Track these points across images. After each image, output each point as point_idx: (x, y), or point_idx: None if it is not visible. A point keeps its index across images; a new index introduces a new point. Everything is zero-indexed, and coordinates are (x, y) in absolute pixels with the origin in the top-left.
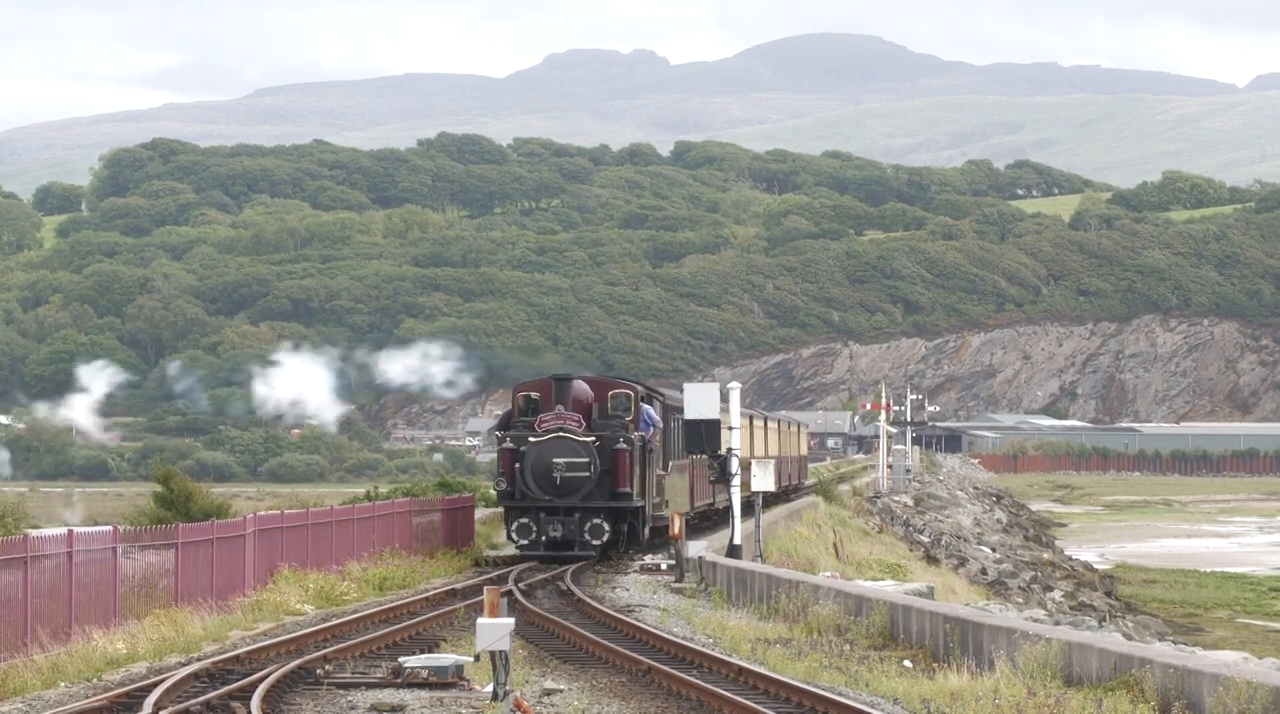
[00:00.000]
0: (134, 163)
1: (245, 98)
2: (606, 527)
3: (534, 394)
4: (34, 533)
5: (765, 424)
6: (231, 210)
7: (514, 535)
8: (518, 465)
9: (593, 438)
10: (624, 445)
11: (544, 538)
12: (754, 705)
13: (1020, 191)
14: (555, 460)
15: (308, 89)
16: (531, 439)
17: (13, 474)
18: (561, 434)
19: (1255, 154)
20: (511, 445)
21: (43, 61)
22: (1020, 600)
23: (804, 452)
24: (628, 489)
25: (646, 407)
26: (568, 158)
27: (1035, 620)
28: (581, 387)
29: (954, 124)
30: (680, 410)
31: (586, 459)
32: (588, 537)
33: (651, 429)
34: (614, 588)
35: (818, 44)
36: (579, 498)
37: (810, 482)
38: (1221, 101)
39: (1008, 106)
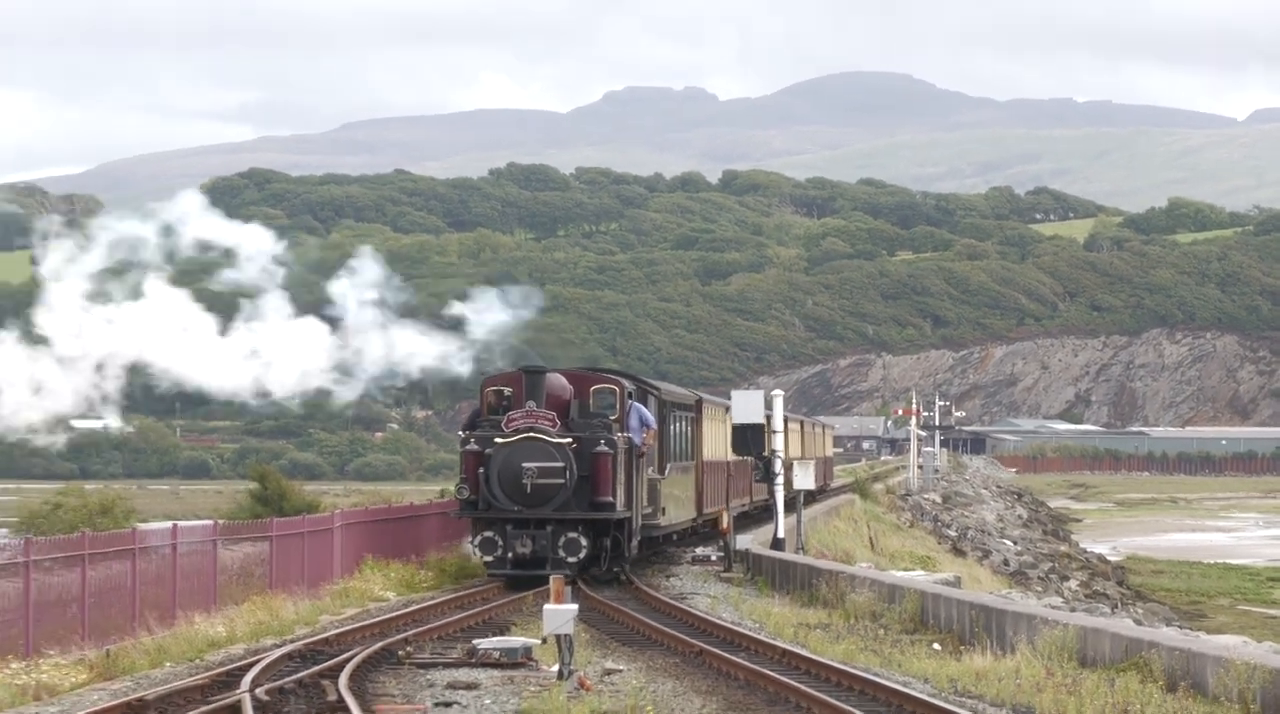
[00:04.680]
0: (231, 190)
1: (331, 131)
2: (584, 541)
3: (505, 389)
4: (141, 527)
5: (786, 425)
6: (320, 234)
7: (477, 551)
8: (482, 470)
9: (569, 439)
10: (606, 448)
11: (511, 555)
12: (797, 684)
13: (1039, 216)
14: (525, 465)
15: (389, 124)
16: (498, 440)
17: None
18: (532, 435)
19: (1253, 182)
20: (476, 447)
21: (134, 100)
22: (1039, 589)
23: (830, 453)
24: (610, 498)
25: (637, 404)
26: (625, 186)
27: (1053, 607)
28: (558, 380)
29: (978, 155)
30: (684, 407)
31: (561, 464)
32: (562, 553)
33: (645, 430)
34: (668, 577)
35: (853, 82)
36: (552, 508)
37: (836, 483)
38: (1222, 134)
39: (1028, 139)
